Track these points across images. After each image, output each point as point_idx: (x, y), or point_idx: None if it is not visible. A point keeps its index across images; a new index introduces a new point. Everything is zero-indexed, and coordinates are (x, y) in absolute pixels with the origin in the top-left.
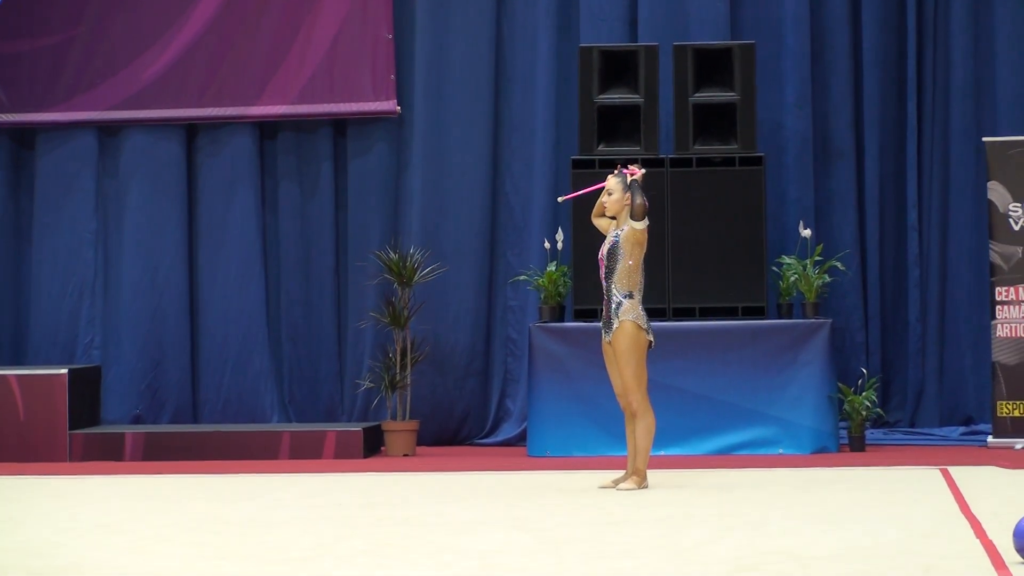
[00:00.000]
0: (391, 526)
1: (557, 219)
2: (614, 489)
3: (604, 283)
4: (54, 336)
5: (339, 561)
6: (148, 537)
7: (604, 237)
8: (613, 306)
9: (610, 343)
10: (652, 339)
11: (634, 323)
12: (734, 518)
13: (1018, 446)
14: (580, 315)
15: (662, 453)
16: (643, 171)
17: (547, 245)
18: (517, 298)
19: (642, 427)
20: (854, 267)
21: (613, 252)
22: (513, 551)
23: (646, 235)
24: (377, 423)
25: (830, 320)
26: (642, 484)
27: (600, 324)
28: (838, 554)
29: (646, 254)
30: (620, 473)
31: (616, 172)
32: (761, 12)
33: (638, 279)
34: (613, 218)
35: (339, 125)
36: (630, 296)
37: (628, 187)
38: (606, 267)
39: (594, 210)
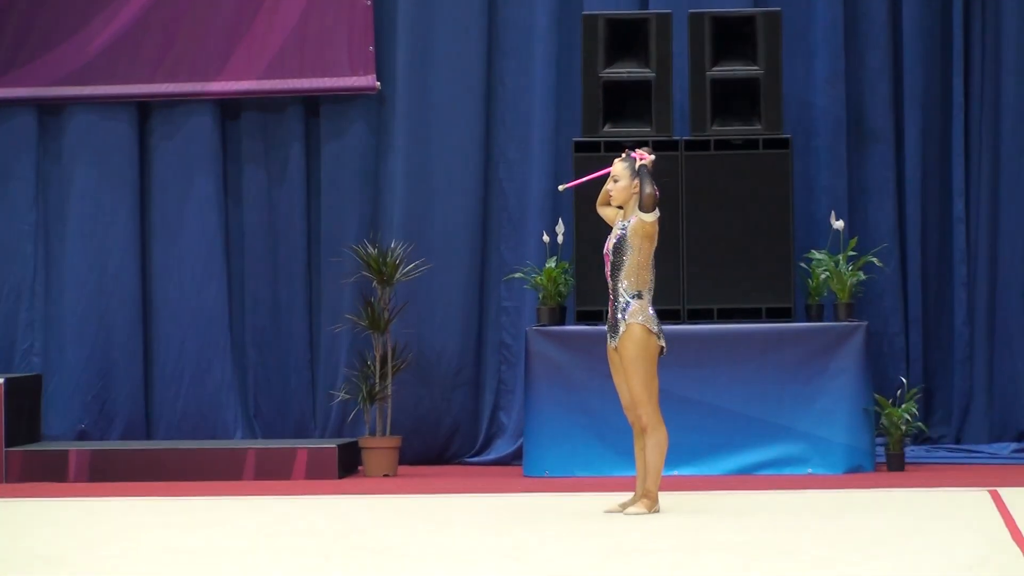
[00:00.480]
0: (368, 556)
1: (557, 209)
2: (621, 514)
3: (610, 281)
4: None
5: None
6: (94, 570)
7: (610, 229)
8: (620, 307)
9: (616, 349)
10: (664, 344)
11: (643, 326)
12: (757, 547)
13: None
14: (583, 317)
15: (675, 473)
16: (653, 156)
17: (546, 239)
18: (512, 298)
19: (652, 444)
20: (893, 264)
21: (620, 246)
22: None
23: (656, 227)
24: (354, 439)
25: (865, 323)
26: (653, 508)
27: (605, 328)
28: None
29: (657, 249)
30: (628, 496)
31: (623, 156)
32: None
33: (648, 277)
34: (620, 208)
35: (311, 103)
36: (639, 296)
37: (636, 173)
38: (612, 263)
39: (599, 199)
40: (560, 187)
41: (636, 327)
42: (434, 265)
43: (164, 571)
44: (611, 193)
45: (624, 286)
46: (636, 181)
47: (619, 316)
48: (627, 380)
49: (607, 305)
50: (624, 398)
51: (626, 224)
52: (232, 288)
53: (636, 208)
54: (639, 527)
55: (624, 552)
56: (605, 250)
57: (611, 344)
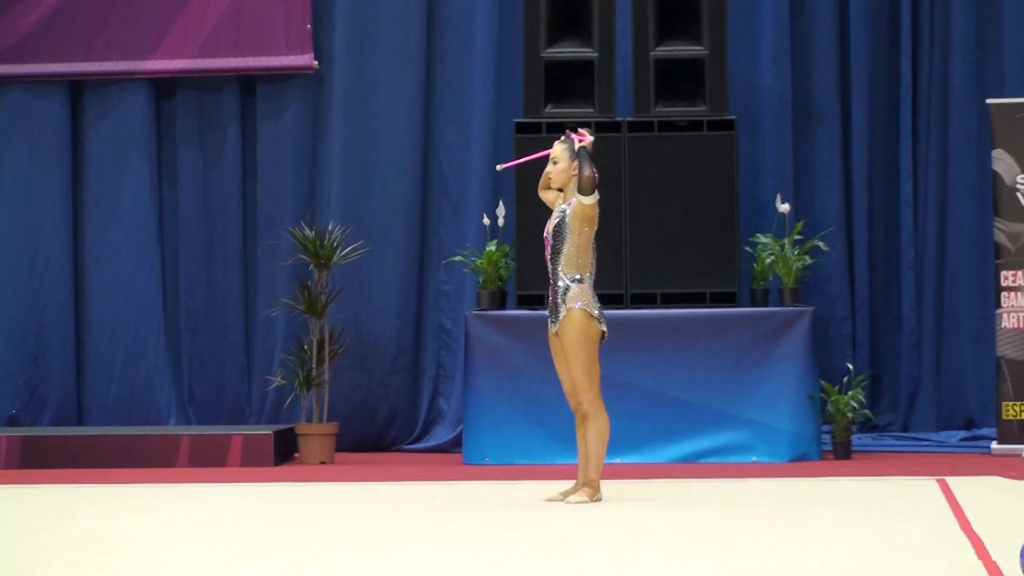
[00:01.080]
0: (305, 545)
1: (498, 191)
2: (563, 502)
3: (550, 265)
4: None
5: None
6: (23, 558)
7: (551, 212)
8: (560, 292)
9: (557, 334)
10: (605, 329)
11: (584, 311)
12: (699, 536)
13: None
14: (524, 302)
15: (618, 461)
16: (593, 137)
17: (486, 221)
18: (452, 282)
19: (594, 431)
20: (839, 248)
21: (560, 230)
22: (445, 574)
23: (596, 210)
24: (290, 426)
25: (811, 308)
26: (595, 496)
27: (546, 312)
28: None
29: (599, 232)
30: (570, 484)
31: (563, 138)
32: None
33: (588, 261)
34: (560, 191)
35: (247, 82)
36: (579, 280)
37: (576, 155)
38: (552, 247)
39: (540, 182)
40: (498, 167)
41: (577, 312)
42: (372, 248)
43: (91, 560)
44: (551, 175)
45: (564, 270)
46: (575, 163)
47: (559, 301)
48: (568, 366)
49: (548, 290)
50: (565, 384)
51: (566, 207)
52: (166, 271)
53: (576, 191)
54: (581, 516)
55: (566, 541)
56: (545, 233)
57: (552, 329)
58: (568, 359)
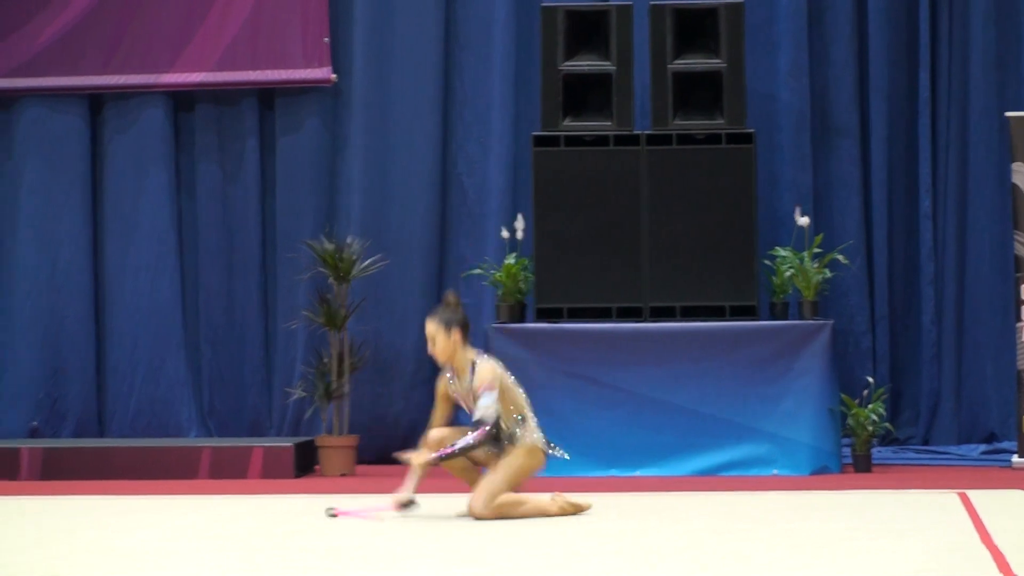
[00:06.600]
0: (321, 558)
1: (517, 205)
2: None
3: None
4: None
5: None
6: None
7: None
8: (506, 439)
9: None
10: (553, 452)
11: (535, 445)
12: (715, 550)
13: None
14: (543, 314)
15: (638, 474)
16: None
17: (505, 234)
18: (471, 295)
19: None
20: (859, 261)
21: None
22: None
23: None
24: (310, 438)
25: (831, 322)
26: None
27: (567, 325)
28: None
29: (619, 245)
30: (582, 495)
31: (432, 318)
32: None
33: (518, 400)
34: (449, 375)
35: (266, 96)
36: (522, 420)
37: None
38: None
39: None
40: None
41: (529, 444)
42: (392, 261)
43: (102, 571)
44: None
45: (504, 424)
46: (454, 335)
47: (506, 443)
48: (492, 472)
49: (568, 302)
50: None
51: (469, 384)
52: (186, 284)
53: (468, 370)
54: (594, 530)
55: (580, 553)
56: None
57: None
58: (498, 468)
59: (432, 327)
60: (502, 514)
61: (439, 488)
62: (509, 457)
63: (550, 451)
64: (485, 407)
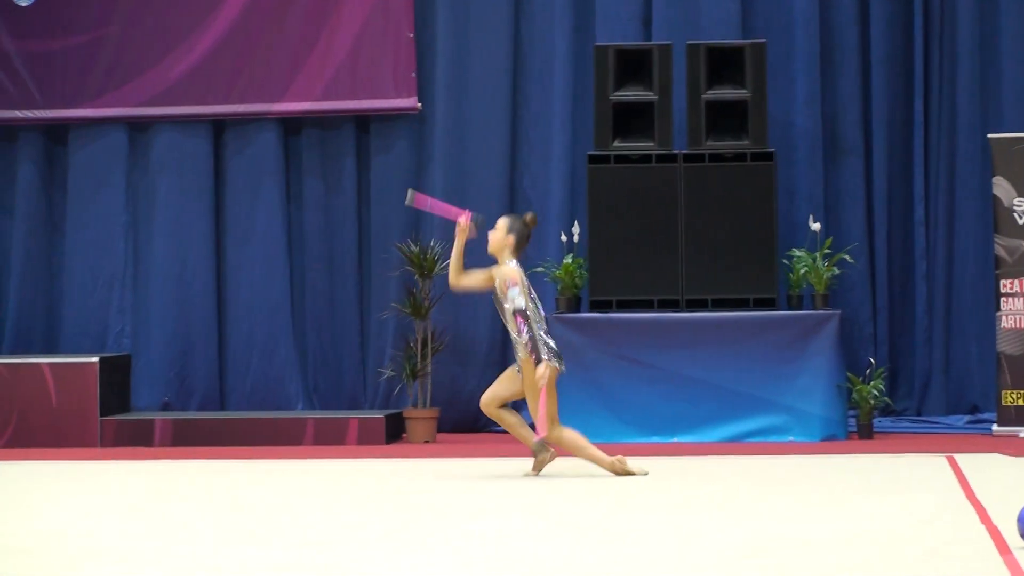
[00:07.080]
0: (410, 511)
1: (574, 212)
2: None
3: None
4: (85, 325)
5: (357, 546)
6: (175, 521)
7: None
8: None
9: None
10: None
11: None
12: (743, 504)
13: (1022, 434)
14: (596, 306)
15: (675, 440)
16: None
17: (563, 238)
18: (535, 290)
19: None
20: (862, 260)
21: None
22: (527, 535)
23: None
24: (398, 411)
25: (839, 311)
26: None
27: (617, 314)
28: (845, 539)
29: (659, 247)
30: (637, 459)
31: (508, 216)
32: (772, 11)
33: (534, 309)
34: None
35: (362, 122)
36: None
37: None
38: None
39: (452, 265)
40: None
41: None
42: (467, 261)
43: (232, 523)
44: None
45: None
46: (509, 238)
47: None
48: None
49: (617, 295)
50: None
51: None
52: (294, 281)
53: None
54: (639, 486)
55: (629, 507)
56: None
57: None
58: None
59: (501, 221)
60: (567, 446)
61: (509, 453)
62: (529, 380)
63: (556, 362)
64: (513, 298)
